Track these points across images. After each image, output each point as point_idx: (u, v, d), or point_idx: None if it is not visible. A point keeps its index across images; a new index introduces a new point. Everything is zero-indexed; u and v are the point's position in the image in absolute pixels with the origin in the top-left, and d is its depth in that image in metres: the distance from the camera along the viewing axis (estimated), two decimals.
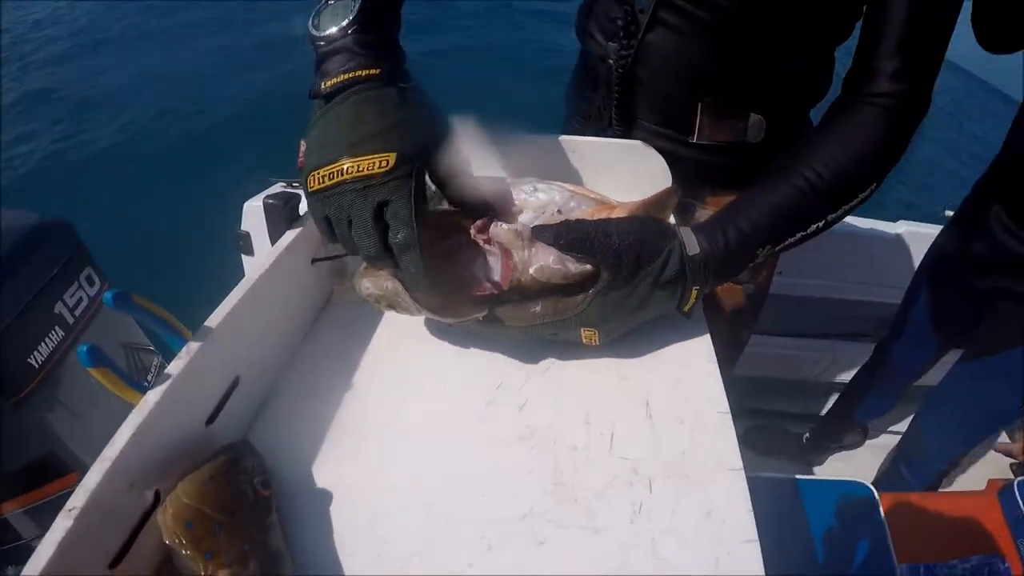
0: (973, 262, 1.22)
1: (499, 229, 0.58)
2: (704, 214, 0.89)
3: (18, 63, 4.66)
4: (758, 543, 0.46)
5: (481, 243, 0.60)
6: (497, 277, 0.59)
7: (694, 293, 0.60)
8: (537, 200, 0.64)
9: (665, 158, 0.79)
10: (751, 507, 0.49)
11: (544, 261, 0.57)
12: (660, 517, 0.48)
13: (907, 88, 0.65)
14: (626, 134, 0.87)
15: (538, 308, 0.59)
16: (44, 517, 1.12)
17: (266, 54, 4.73)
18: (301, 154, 0.54)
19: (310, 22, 0.55)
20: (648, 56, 0.79)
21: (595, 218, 0.60)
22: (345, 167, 0.50)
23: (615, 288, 0.57)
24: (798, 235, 0.65)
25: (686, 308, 0.62)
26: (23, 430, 1.07)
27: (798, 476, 1.18)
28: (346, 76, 0.53)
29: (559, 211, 0.63)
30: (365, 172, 0.50)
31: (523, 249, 0.58)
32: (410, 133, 0.53)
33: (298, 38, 0.57)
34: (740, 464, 0.52)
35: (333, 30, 0.54)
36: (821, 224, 0.65)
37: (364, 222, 0.50)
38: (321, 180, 0.51)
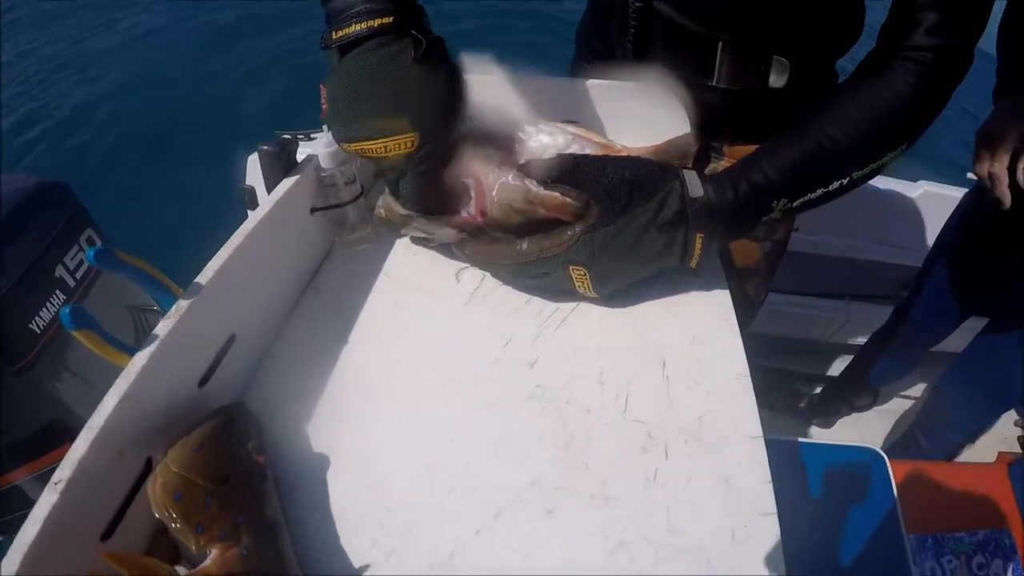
0: (1002, 228, 1.17)
1: (469, 157, 0.58)
2: (720, 166, 0.85)
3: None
4: (776, 516, 0.44)
5: (456, 176, 0.59)
6: (473, 208, 0.59)
7: (698, 242, 0.58)
8: (539, 142, 0.63)
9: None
10: (770, 477, 0.46)
11: (504, 179, 0.57)
12: (675, 486, 0.46)
13: (947, 43, 0.62)
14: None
15: (524, 246, 0.58)
16: None
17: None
18: (324, 101, 0.55)
19: None
20: None
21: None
22: (374, 148, 0.54)
23: (605, 224, 0.56)
24: (819, 191, 0.62)
25: (692, 262, 0.59)
26: (29, 397, 1.06)
27: (807, 440, 1.16)
28: (358, 26, 0.51)
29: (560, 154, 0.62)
30: (392, 153, 0.54)
31: (489, 173, 0.58)
32: (433, 101, 0.54)
33: None
34: (760, 432, 0.50)
35: None
36: (846, 182, 0.62)
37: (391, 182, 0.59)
38: (355, 151, 0.55)
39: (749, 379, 0.54)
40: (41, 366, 1.06)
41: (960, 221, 1.32)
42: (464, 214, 0.60)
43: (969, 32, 0.62)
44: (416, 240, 0.67)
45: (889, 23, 0.66)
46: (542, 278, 0.59)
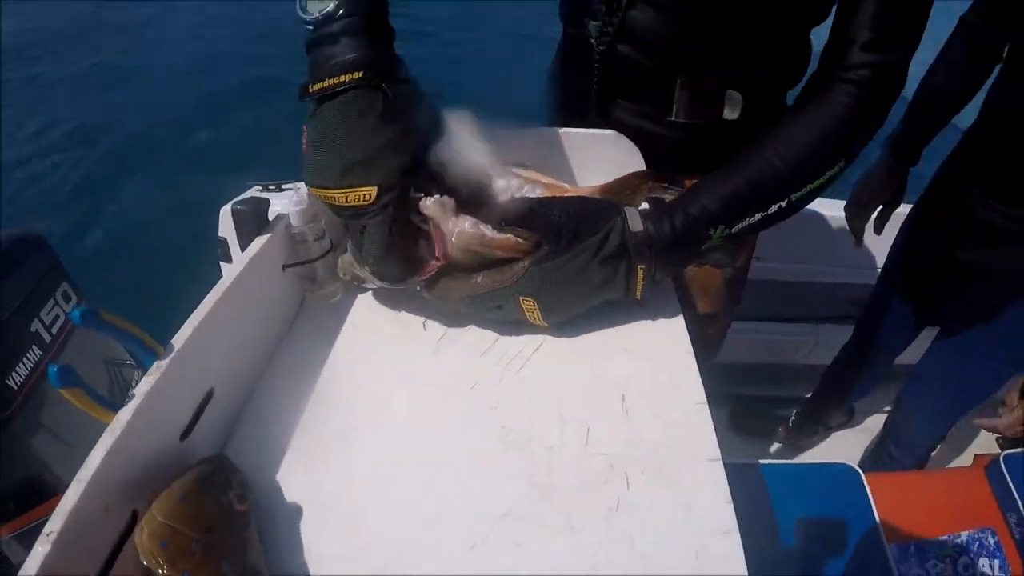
0: (947, 237, 1.23)
1: (425, 202, 0.62)
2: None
3: None
4: (738, 532, 0.47)
5: (417, 222, 0.63)
6: (436, 252, 0.63)
7: (640, 273, 0.62)
8: (497, 186, 0.67)
9: (644, 137, 0.80)
10: (730, 497, 0.49)
11: (462, 227, 0.61)
12: (637, 513, 0.48)
13: (880, 60, 0.64)
14: (606, 113, 0.88)
15: (479, 279, 0.62)
16: (32, 542, 1.10)
17: (240, 51, 4.71)
18: (304, 143, 0.58)
19: (297, 1, 0.55)
20: (628, 32, 0.80)
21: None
22: (337, 197, 0.57)
23: (551, 258, 0.60)
24: (758, 216, 0.65)
25: (636, 293, 0.63)
26: (5, 453, 1.05)
27: (783, 461, 1.19)
28: (332, 81, 0.55)
29: (512, 197, 0.66)
30: (353, 204, 0.57)
31: (447, 220, 0.61)
32: (393, 156, 0.57)
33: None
34: (718, 454, 0.52)
35: (317, 15, 0.54)
36: (784, 204, 0.65)
37: (353, 234, 0.61)
38: (322, 197, 0.58)
39: (706, 405, 0.57)
40: (18, 422, 1.05)
41: (907, 235, 1.38)
42: (428, 261, 0.63)
43: (902, 47, 0.65)
44: (381, 289, 0.70)
45: (827, 47, 0.69)
46: (497, 311, 0.63)
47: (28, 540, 1.09)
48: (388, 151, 0.57)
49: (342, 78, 0.54)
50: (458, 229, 0.61)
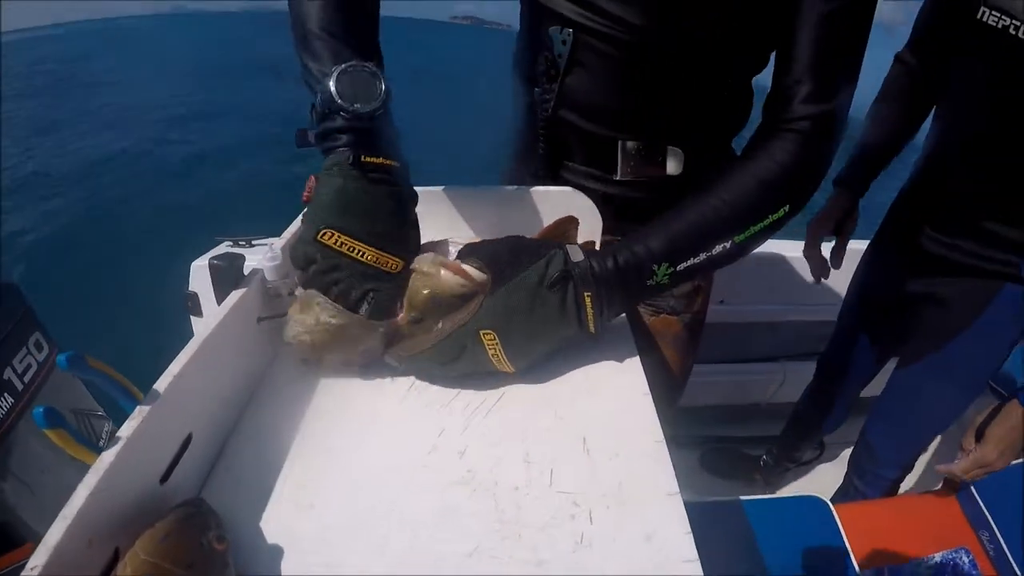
0: (898, 270, 1.29)
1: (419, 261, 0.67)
2: None
3: None
4: (698, 562, 0.49)
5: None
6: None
7: (587, 300, 0.65)
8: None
9: (592, 196, 0.84)
10: (689, 528, 0.51)
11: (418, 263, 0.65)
12: (601, 545, 0.51)
13: (820, 110, 0.68)
14: (554, 175, 0.92)
15: (440, 324, 0.65)
16: None
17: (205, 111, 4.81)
18: (309, 190, 0.64)
19: (333, 84, 0.60)
20: (569, 98, 0.84)
21: None
22: (365, 251, 0.62)
23: (501, 284, 0.64)
24: (702, 255, 0.68)
25: (590, 324, 0.66)
26: None
27: (751, 497, 1.21)
28: (385, 161, 0.63)
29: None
30: (378, 264, 0.63)
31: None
32: (413, 241, 0.67)
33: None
34: (676, 488, 0.55)
35: (363, 108, 0.60)
36: (728, 245, 0.68)
37: (348, 288, 0.63)
38: (335, 241, 0.61)
39: (664, 443, 0.59)
40: None
41: (864, 268, 1.44)
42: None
43: (841, 92, 0.69)
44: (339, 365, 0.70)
45: (769, 99, 0.73)
46: (462, 358, 0.65)
47: None
48: (412, 234, 0.67)
49: (392, 162, 0.63)
50: (415, 265, 0.65)
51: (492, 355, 0.65)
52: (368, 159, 0.61)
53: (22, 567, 0.39)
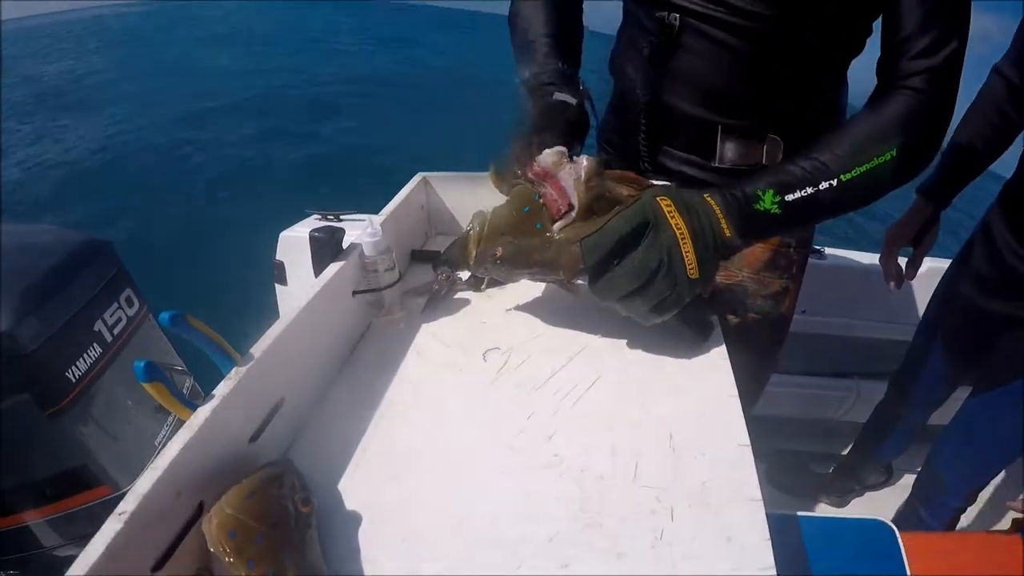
0: (982, 290, 1.22)
1: (545, 156, 0.67)
2: None
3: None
4: (775, 571, 0.47)
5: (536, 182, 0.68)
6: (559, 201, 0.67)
7: (711, 202, 0.68)
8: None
9: (692, 184, 0.84)
10: (768, 536, 0.50)
11: (581, 164, 0.66)
12: (681, 543, 0.49)
13: (935, 65, 0.68)
14: (653, 161, 0.91)
15: (607, 216, 0.65)
16: (68, 527, 1.14)
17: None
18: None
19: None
20: (672, 82, 0.83)
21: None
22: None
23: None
24: (808, 189, 0.68)
25: (724, 230, 0.67)
26: (56, 441, 1.10)
27: (813, 514, 1.16)
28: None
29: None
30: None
31: (563, 168, 0.67)
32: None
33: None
34: (759, 495, 0.53)
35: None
36: (834, 183, 0.68)
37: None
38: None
39: (750, 448, 0.58)
40: (71, 413, 1.09)
41: (944, 286, 1.37)
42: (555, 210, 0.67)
43: (953, 42, 0.68)
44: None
45: (880, 62, 0.73)
46: (632, 240, 0.64)
47: (60, 526, 1.14)
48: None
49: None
50: (585, 164, 0.66)
51: (671, 219, 0.65)
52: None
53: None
